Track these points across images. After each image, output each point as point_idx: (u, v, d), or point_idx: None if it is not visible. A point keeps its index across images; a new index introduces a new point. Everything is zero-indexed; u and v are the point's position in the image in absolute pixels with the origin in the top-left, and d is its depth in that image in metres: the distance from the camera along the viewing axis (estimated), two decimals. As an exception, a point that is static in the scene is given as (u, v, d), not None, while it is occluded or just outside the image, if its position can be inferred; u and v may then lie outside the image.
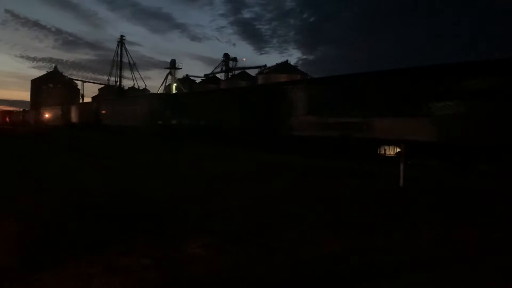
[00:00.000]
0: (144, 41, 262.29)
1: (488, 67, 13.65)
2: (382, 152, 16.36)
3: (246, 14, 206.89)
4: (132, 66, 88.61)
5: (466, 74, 13.99)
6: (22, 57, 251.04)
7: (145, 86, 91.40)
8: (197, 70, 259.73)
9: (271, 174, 12.05)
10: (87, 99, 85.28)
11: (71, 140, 28.44)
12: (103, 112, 43.83)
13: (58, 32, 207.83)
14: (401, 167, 9.88)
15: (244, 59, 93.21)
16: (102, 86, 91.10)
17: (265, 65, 68.93)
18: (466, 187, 10.24)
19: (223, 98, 29.43)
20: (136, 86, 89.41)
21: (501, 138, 12.62)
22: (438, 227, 6.23)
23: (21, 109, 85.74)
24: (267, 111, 22.55)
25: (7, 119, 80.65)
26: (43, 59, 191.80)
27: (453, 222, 6.55)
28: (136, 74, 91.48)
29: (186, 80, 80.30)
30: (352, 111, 17.41)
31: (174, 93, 60.71)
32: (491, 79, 13.17)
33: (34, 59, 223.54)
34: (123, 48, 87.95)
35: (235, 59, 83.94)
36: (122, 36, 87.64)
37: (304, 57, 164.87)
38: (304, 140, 19.59)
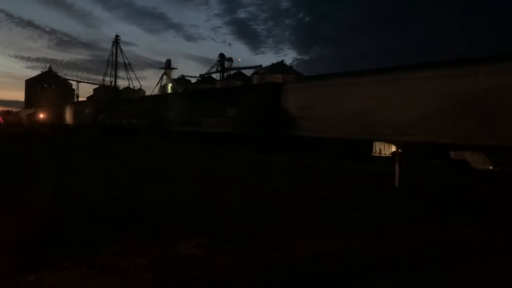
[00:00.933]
0: (139, 41, 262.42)
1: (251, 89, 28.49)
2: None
3: (242, 14, 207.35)
4: (127, 66, 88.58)
5: (247, 92, 26.92)
6: (16, 57, 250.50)
7: (140, 86, 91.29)
8: (192, 70, 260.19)
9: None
10: (82, 99, 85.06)
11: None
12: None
13: (52, 32, 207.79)
14: (396, 167, 9.90)
15: (239, 59, 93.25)
16: (97, 86, 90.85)
17: (261, 65, 69.10)
18: (459, 186, 10.28)
19: (133, 105, 40.82)
20: (131, 86, 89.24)
21: (260, 130, 21.76)
22: (432, 226, 6.25)
23: (18, 109, 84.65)
24: (155, 113, 33.68)
25: (1, 120, 79.49)
26: (37, 59, 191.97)
27: (446, 221, 6.56)
28: (131, 74, 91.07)
29: (182, 80, 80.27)
30: (195, 114, 28.22)
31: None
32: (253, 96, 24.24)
33: (28, 59, 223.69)
34: (118, 48, 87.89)
35: (230, 59, 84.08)
36: (117, 36, 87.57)
37: (300, 57, 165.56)
38: (176, 132, 29.49)
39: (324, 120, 18.20)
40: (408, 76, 15.24)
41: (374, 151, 17.57)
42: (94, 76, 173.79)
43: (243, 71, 74.39)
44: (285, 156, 17.47)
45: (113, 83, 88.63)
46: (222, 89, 43.21)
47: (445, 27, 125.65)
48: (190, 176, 11.27)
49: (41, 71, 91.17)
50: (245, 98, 24.62)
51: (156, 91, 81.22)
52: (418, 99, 14.29)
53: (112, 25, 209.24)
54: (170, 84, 79.56)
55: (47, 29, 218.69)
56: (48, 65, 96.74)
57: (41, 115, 61.60)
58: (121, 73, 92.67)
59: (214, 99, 29.10)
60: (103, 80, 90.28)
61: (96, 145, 25.07)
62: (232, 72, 78.42)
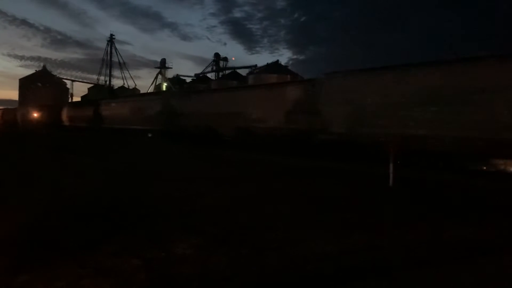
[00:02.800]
0: (134, 40, 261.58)
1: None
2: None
3: (237, 14, 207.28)
4: (122, 65, 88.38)
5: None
6: (9, 55, 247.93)
7: (135, 85, 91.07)
8: (187, 70, 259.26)
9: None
10: (76, 99, 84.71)
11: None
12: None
13: (46, 30, 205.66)
14: (391, 167, 9.92)
15: (233, 58, 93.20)
16: (92, 85, 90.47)
17: (256, 65, 68.97)
18: (455, 185, 10.32)
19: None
20: (126, 86, 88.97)
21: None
22: (428, 225, 6.28)
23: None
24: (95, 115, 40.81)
25: None
26: (31, 58, 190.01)
27: (440, 221, 6.59)
28: (126, 74, 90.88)
29: (176, 80, 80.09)
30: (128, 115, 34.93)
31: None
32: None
33: (22, 57, 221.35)
34: (112, 47, 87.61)
35: (225, 59, 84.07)
36: (112, 35, 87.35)
37: (295, 57, 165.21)
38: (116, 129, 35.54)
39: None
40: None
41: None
42: (89, 75, 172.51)
43: (238, 70, 74.28)
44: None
45: (107, 83, 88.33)
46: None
47: (443, 27, 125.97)
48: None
49: (35, 70, 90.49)
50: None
51: (150, 91, 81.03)
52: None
53: (107, 24, 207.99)
54: (165, 84, 79.34)
55: (41, 28, 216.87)
56: (42, 64, 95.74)
57: (35, 115, 61.15)
58: (116, 72, 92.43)
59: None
60: (98, 79, 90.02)
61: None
62: (227, 71, 78.32)
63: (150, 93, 68.07)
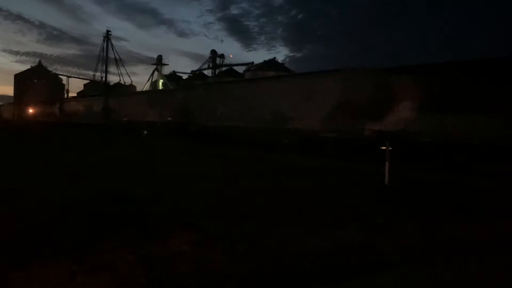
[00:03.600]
0: (130, 36, 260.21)
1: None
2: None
3: (234, 10, 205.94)
4: (118, 62, 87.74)
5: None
6: (4, 51, 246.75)
7: (131, 82, 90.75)
8: (184, 66, 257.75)
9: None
10: (72, 95, 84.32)
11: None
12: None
13: (42, 25, 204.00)
14: (386, 165, 9.94)
15: (231, 56, 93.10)
16: (88, 81, 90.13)
17: (253, 62, 69.01)
18: (450, 183, 10.37)
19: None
20: (122, 82, 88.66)
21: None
22: (422, 223, 6.30)
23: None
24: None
25: None
26: (26, 53, 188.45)
27: (437, 218, 6.62)
28: (122, 70, 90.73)
29: (173, 77, 79.88)
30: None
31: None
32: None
33: (17, 53, 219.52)
34: (109, 43, 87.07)
35: (222, 56, 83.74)
36: (108, 31, 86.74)
37: (292, 54, 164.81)
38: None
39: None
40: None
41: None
42: (85, 71, 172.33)
43: (235, 68, 74.21)
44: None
45: (103, 79, 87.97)
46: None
47: (439, 27, 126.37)
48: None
49: (31, 66, 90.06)
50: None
51: (147, 87, 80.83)
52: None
53: (103, 20, 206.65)
54: (161, 80, 79.12)
55: (37, 23, 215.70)
56: (37, 60, 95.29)
57: (31, 110, 61.04)
58: (112, 69, 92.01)
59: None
60: (94, 75, 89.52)
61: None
62: (223, 68, 78.19)
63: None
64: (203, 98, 27.64)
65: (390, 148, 10.20)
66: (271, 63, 58.76)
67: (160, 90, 66.86)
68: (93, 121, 41.14)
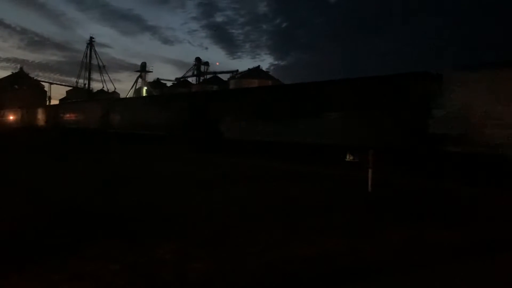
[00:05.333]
0: (114, 43, 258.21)
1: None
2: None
3: (219, 18, 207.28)
4: (102, 68, 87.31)
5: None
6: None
7: (115, 89, 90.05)
8: (168, 74, 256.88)
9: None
10: (55, 101, 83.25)
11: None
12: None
13: (23, 31, 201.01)
14: (369, 172, 9.98)
15: (217, 63, 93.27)
16: (70, 88, 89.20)
17: (237, 70, 69.33)
18: (432, 190, 10.44)
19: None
20: (105, 89, 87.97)
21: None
22: (405, 230, 6.35)
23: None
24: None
25: None
26: (7, 59, 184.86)
27: (419, 225, 6.67)
28: (106, 77, 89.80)
29: (157, 84, 79.62)
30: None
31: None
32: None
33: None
34: (92, 49, 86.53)
35: (207, 64, 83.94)
36: (91, 37, 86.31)
37: (276, 62, 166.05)
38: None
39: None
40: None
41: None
42: (67, 78, 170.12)
43: (220, 75, 74.35)
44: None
45: (86, 86, 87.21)
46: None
47: (423, 35, 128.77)
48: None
49: (12, 72, 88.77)
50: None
51: (130, 94, 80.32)
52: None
53: (86, 26, 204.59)
54: (145, 88, 78.78)
55: (18, 29, 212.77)
56: (19, 66, 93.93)
57: (11, 117, 60.01)
58: (95, 75, 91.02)
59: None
60: (77, 82, 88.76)
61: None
62: (208, 76, 78.24)
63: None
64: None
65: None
66: (256, 71, 59.02)
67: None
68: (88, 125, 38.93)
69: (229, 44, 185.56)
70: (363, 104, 15.20)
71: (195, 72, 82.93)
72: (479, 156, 11.63)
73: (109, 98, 52.26)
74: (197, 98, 27.49)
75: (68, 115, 43.03)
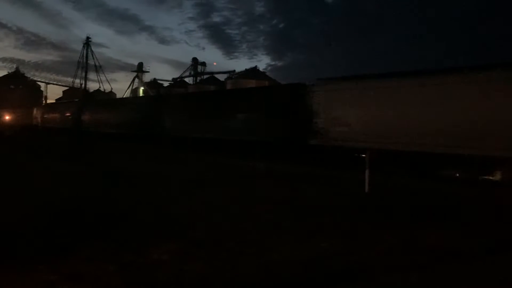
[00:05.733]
0: (110, 43, 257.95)
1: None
2: None
3: (216, 18, 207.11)
4: (98, 68, 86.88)
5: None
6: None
7: (111, 89, 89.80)
8: (165, 74, 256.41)
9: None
10: (51, 101, 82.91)
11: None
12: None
13: (19, 31, 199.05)
14: (366, 173, 10.00)
15: (214, 64, 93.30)
16: (67, 88, 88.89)
17: (234, 70, 69.16)
18: (429, 191, 10.47)
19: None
20: (102, 89, 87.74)
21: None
22: (402, 231, 6.35)
23: None
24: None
25: None
26: (3, 59, 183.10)
27: (416, 226, 6.68)
28: (102, 77, 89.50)
29: (154, 84, 79.40)
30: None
31: None
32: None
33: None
34: (89, 49, 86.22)
35: (203, 64, 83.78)
36: (88, 37, 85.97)
37: (273, 63, 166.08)
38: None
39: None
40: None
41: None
42: (64, 78, 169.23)
43: (217, 75, 74.25)
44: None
45: (83, 86, 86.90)
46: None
47: (419, 35, 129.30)
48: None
49: (8, 72, 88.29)
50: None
51: (127, 95, 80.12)
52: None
53: (83, 26, 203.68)
54: (142, 88, 78.56)
55: (14, 28, 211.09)
56: (15, 66, 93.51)
57: (7, 117, 59.81)
58: (92, 75, 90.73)
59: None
60: (73, 82, 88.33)
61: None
62: (205, 76, 78.15)
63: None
64: None
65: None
66: (253, 72, 59.03)
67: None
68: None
69: (226, 45, 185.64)
70: (259, 107, 18.89)
71: (192, 73, 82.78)
72: (330, 147, 15.58)
73: (79, 100, 53.38)
74: (145, 102, 33.49)
75: (51, 115, 44.85)
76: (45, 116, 46.25)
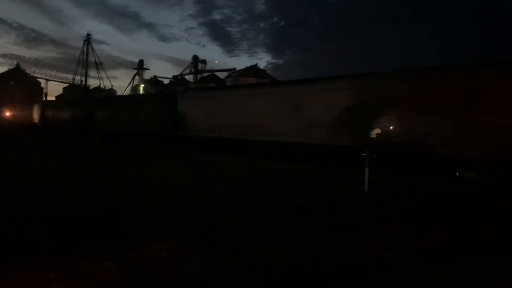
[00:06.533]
0: (111, 40, 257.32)
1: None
2: None
3: (216, 16, 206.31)
4: (98, 65, 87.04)
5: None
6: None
7: (111, 86, 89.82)
8: (165, 71, 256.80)
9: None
10: (51, 98, 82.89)
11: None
12: None
13: (20, 27, 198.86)
14: (366, 171, 10.02)
15: (216, 62, 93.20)
16: (67, 85, 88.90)
17: (234, 68, 69.08)
18: (430, 190, 10.48)
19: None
20: (102, 86, 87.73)
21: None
22: (400, 229, 6.37)
23: None
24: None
25: None
26: (3, 55, 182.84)
27: (415, 225, 6.70)
28: (102, 74, 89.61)
29: (154, 81, 79.35)
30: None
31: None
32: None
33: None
34: (89, 46, 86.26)
35: (204, 61, 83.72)
36: (88, 34, 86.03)
37: (274, 61, 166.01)
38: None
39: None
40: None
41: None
42: (64, 75, 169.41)
43: (217, 73, 74.21)
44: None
45: (83, 82, 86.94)
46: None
47: (418, 34, 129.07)
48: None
49: (8, 68, 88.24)
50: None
51: (127, 92, 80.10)
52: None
53: (83, 23, 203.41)
54: (142, 85, 78.54)
55: (14, 25, 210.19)
56: (15, 62, 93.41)
57: (8, 113, 59.78)
58: (92, 72, 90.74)
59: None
60: (73, 79, 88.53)
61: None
62: (205, 74, 78.12)
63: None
64: None
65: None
66: (253, 70, 58.95)
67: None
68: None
69: (226, 42, 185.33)
70: (153, 109, 26.62)
71: (192, 70, 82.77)
72: (190, 136, 22.78)
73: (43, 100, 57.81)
74: (86, 103, 41.29)
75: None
76: (49, 113, 46.11)
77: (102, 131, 31.59)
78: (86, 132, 33.36)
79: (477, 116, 11.73)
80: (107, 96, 69.39)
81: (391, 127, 13.61)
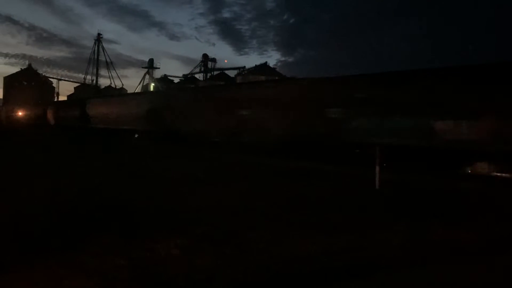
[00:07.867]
0: (121, 39, 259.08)
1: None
2: None
3: (226, 14, 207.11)
4: (109, 65, 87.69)
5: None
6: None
7: (122, 85, 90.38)
8: (175, 70, 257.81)
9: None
10: (63, 98, 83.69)
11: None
12: None
13: (31, 27, 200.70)
14: (377, 169, 9.93)
15: (225, 61, 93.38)
16: (78, 84, 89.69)
17: (244, 67, 69.22)
18: (441, 189, 10.37)
19: None
20: (113, 85, 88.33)
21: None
22: (412, 228, 6.31)
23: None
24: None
25: None
26: (16, 56, 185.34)
27: (426, 223, 6.63)
28: (113, 73, 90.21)
29: (164, 80, 79.70)
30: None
31: None
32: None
33: (6, 55, 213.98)
34: (100, 46, 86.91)
35: (214, 60, 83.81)
36: (99, 34, 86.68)
37: (284, 58, 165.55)
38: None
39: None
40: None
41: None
42: (75, 74, 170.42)
43: (227, 72, 74.38)
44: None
45: (94, 82, 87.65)
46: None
47: (432, 31, 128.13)
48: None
49: (21, 68, 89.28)
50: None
51: (138, 91, 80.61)
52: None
53: (94, 22, 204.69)
54: (152, 84, 78.97)
55: (26, 25, 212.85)
56: (27, 62, 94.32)
57: (21, 113, 60.41)
58: (103, 72, 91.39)
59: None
60: (85, 78, 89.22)
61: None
62: (215, 72, 78.27)
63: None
64: None
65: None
66: (263, 67, 58.98)
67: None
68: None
69: (236, 40, 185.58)
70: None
71: (202, 69, 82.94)
72: (94, 127, 32.72)
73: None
74: (80, 102, 41.96)
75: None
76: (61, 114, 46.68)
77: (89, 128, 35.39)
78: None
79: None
80: None
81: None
